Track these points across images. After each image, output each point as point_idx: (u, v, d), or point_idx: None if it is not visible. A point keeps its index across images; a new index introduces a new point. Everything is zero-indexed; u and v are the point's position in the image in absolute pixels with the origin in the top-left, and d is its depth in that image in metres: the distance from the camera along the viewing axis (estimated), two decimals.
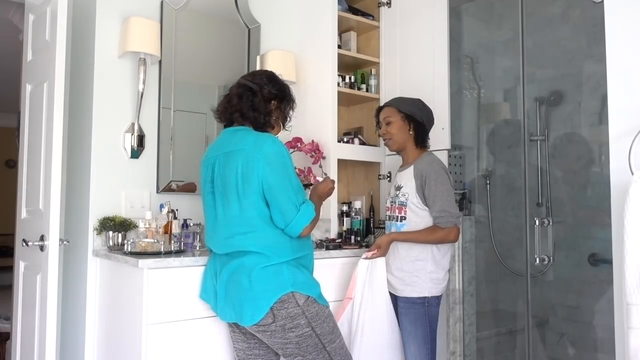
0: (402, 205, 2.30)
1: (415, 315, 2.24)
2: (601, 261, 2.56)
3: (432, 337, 2.26)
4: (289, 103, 2.06)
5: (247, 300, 1.84)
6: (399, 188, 2.34)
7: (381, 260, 2.27)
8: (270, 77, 2.02)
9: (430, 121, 2.38)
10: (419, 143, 2.36)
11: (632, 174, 1.75)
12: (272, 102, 1.99)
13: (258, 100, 1.95)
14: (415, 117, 2.32)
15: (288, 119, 2.09)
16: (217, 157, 1.95)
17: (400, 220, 2.30)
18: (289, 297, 1.83)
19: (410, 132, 2.33)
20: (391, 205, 2.37)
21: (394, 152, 2.46)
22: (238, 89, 1.99)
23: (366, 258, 2.26)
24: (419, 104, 2.37)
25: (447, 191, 2.21)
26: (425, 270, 2.24)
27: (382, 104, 3.07)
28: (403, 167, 2.40)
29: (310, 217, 1.88)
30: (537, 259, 2.47)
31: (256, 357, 2.01)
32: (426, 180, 2.22)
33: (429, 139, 2.41)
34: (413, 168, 2.30)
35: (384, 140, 2.42)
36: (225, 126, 2.06)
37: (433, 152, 2.43)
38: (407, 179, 2.31)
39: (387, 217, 2.41)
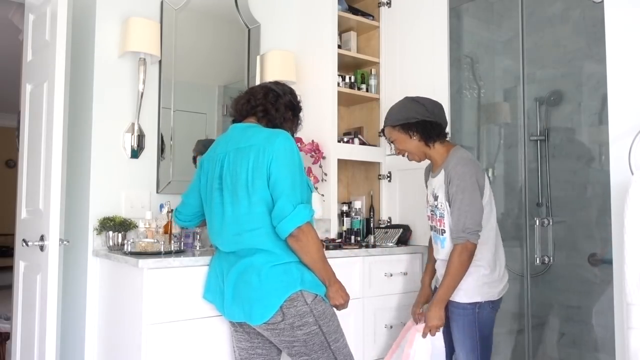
0: (442, 217, 2.15)
1: (464, 322, 2.11)
2: (601, 261, 2.56)
3: (483, 345, 2.12)
4: (298, 120, 2.13)
5: (257, 299, 1.84)
6: (436, 198, 2.18)
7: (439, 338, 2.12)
8: (292, 91, 2.10)
9: (430, 110, 2.15)
10: (432, 140, 2.16)
11: (632, 173, 1.75)
12: (289, 111, 2.06)
13: (280, 103, 2.02)
14: (410, 121, 2.14)
15: (295, 133, 2.14)
16: (226, 154, 1.94)
17: (442, 234, 2.16)
18: (297, 296, 1.84)
19: (414, 138, 2.16)
20: (432, 214, 2.23)
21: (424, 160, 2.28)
22: (263, 88, 2.05)
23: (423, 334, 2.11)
24: (407, 105, 2.19)
25: (462, 200, 2.03)
26: (478, 274, 2.10)
27: (382, 104, 3.09)
28: (435, 172, 2.22)
29: (304, 219, 1.81)
30: (537, 259, 2.47)
31: (259, 357, 2.02)
32: (450, 185, 2.07)
33: (444, 126, 2.20)
34: (444, 172, 2.13)
35: (404, 156, 2.27)
36: (233, 121, 2.08)
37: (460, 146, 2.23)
38: (439, 186, 2.15)
39: (430, 227, 2.28)
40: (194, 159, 2.64)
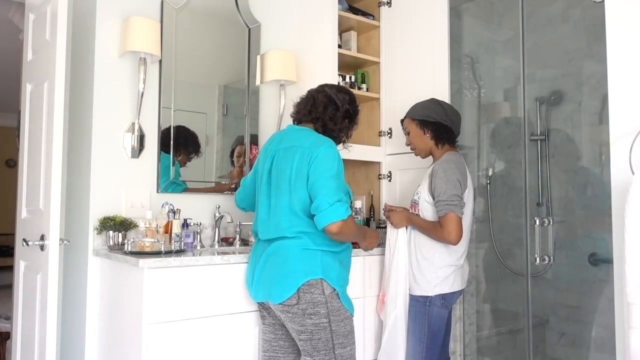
0: (415, 203, 2.36)
1: (416, 312, 2.28)
2: (601, 261, 2.56)
3: (430, 338, 2.26)
4: (355, 125, 2.23)
5: (278, 278, 1.94)
6: (418, 186, 2.39)
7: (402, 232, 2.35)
8: (352, 98, 2.19)
9: (449, 115, 2.34)
10: (442, 142, 2.34)
11: (633, 173, 1.75)
12: (346, 119, 2.17)
13: (338, 116, 2.13)
14: (428, 120, 2.33)
15: (349, 137, 2.24)
16: (277, 151, 2.09)
17: None
18: (317, 283, 1.92)
19: (427, 135, 2.34)
20: (411, 203, 2.41)
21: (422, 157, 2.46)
22: (324, 99, 2.12)
23: (385, 210, 2.43)
24: (430, 105, 2.37)
25: (447, 182, 2.18)
26: (430, 270, 2.26)
27: (381, 103, 3.10)
28: (429, 168, 2.41)
29: (340, 216, 1.89)
30: (537, 259, 2.46)
31: (280, 349, 2.08)
32: (434, 177, 2.23)
33: (457, 134, 2.38)
34: (432, 167, 2.31)
35: (412, 150, 2.45)
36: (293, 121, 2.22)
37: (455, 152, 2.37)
38: (424, 178, 2.34)
39: None
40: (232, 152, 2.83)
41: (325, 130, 2.11)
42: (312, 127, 2.13)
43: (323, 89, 2.17)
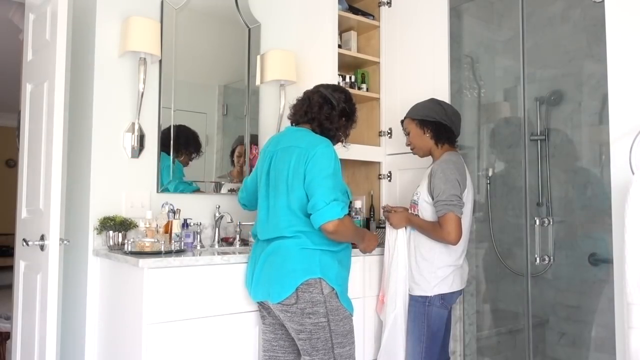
0: (414, 203, 2.36)
1: (415, 312, 2.28)
2: (601, 261, 2.56)
3: (430, 338, 2.26)
4: (353, 123, 2.24)
5: (277, 278, 1.95)
6: (417, 187, 2.38)
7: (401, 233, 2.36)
8: (348, 97, 2.20)
9: (448, 115, 2.33)
10: (441, 142, 2.34)
11: (633, 173, 1.75)
12: (343, 118, 2.17)
13: (334, 115, 2.14)
14: (428, 119, 2.33)
15: (348, 136, 2.26)
16: (275, 152, 2.11)
17: None
18: (315, 282, 1.93)
19: (426, 135, 2.34)
20: (411, 203, 2.41)
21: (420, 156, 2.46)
22: (319, 99, 2.13)
23: (384, 210, 2.43)
24: (430, 105, 2.37)
25: (446, 182, 2.18)
26: (430, 270, 2.26)
27: (381, 103, 3.10)
28: (428, 168, 2.40)
29: (335, 215, 1.90)
30: (537, 259, 2.47)
31: (281, 349, 2.09)
32: (433, 177, 2.23)
33: (456, 134, 2.37)
34: (431, 168, 2.30)
35: (411, 150, 2.45)
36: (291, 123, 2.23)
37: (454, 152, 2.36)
38: (423, 178, 2.34)
39: None
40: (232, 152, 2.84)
41: (322, 130, 2.12)
42: (309, 127, 2.13)
43: (318, 89, 2.18)
